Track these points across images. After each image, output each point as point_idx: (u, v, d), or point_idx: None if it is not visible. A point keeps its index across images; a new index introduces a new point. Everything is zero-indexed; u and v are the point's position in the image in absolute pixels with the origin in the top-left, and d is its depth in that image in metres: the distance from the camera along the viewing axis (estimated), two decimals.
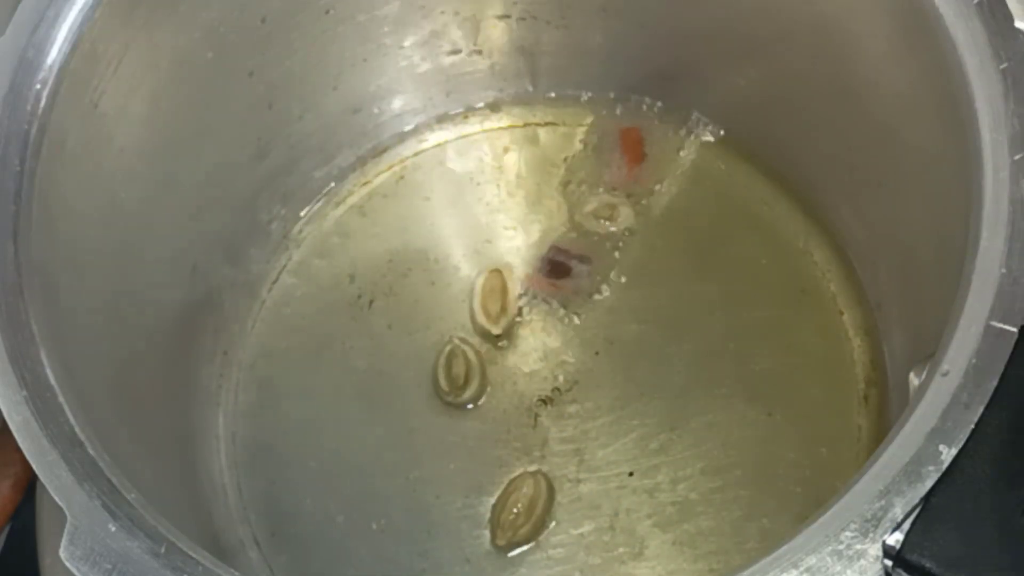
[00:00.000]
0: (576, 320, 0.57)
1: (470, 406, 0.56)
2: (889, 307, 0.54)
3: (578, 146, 0.61)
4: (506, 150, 0.62)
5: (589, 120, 0.62)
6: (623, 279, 0.58)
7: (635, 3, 0.58)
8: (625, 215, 0.59)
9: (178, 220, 0.54)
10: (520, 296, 0.58)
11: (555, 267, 0.58)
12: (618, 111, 0.61)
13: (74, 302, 0.45)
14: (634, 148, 0.61)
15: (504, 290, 0.58)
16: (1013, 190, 0.39)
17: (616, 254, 0.58)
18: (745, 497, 0.53)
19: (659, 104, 0.61)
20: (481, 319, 0.57)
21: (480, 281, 0.58)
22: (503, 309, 0.57)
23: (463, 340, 0.57)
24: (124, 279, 0.50)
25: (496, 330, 0.57)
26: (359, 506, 0.54)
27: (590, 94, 0.62)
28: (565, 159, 0.61)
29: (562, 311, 0.57)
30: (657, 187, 0.59)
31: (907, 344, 0.52)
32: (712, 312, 0.57)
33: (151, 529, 0.37)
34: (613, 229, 0.59)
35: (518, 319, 0.57)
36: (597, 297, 0.58)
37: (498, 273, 0.58)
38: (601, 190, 0.60)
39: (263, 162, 0.58)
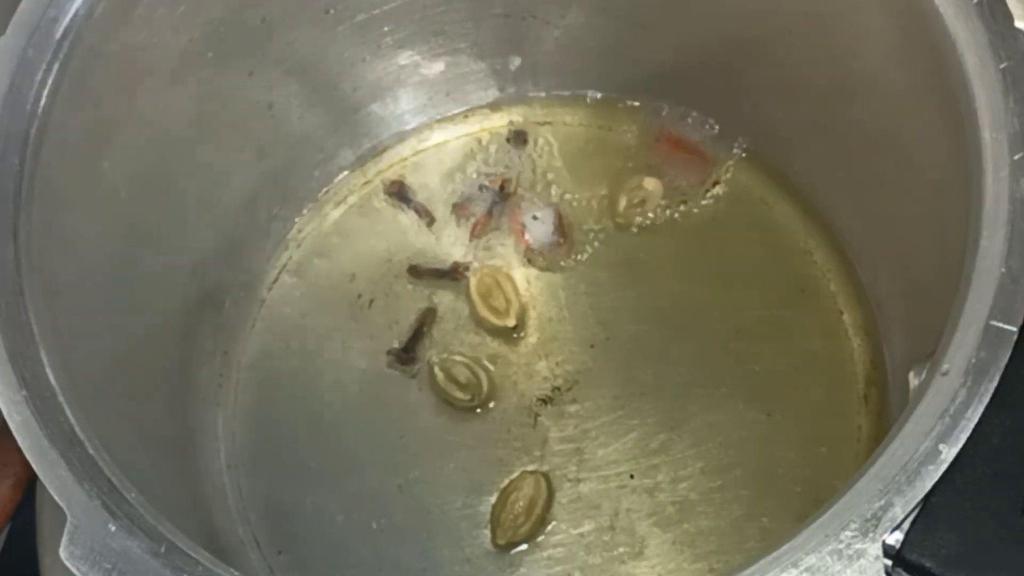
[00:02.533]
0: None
1: (479, 410, 0.56)
2: (889, 307, 0.54)
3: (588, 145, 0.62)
4: (505, 150, 0.62)
5: (589, 120, 0.62)
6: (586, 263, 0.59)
7: (635, 3, 0.58)
8: (654, 192, 0.59)
9: (178, 220, 0.54)
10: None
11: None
12: (618, 111, 0.62)
13: (74, 302, 0.45)
14: (679, 146, 0.61)
15: (500, 285, 0.58)
16: (1013, 190, 0.39)
17: (591, 247, 0.59)
18: (745, 497, 0.53)
19: (659, 104, 0.61)
20: (492, 319, 0.57)
21: (473, 286, 0.58)
22: (508, 302, 0.57)
23: (462, 355, 0.57)
24: (124, 279, 0.50)
25: (511, 322, 0.57)
26: (359, 506, 0.54)
27: (591, 94, 0.62)
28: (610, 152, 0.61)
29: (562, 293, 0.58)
30: (716, 188, 0.60)
31: (907, 344, 0.52)
32: (712, 312, 0.57)
33: (151, 529, 0.37)
34: (642, 219, 0.59)
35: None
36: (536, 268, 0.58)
37: (490, 272, 0.58)
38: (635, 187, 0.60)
39: (263, 162, 0.58)
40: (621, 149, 0.61)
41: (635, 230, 0.59)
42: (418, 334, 0.57)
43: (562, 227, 0.59)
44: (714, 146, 0.60)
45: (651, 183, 0.59)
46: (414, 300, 0.59)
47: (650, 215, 0.59)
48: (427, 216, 0.60)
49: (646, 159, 0.60)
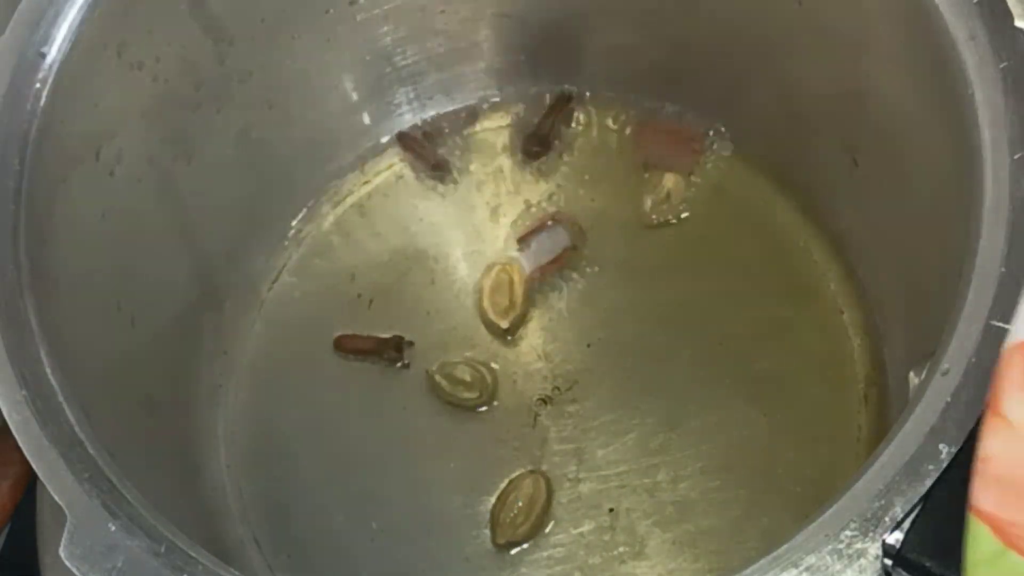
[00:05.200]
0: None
1: (480, 410, 0.56)
2: (889, 307, 0.54)
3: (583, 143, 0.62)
4: (505, 149, 0.62)
5: (589, 119, 0.62)
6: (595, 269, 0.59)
7: (635, 3, 0.58)
8: (676, 188, 0.59)
9: (178, 220, 0.54)
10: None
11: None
12: (618, 110, 0.62)
13: (74, 302, 0.45)
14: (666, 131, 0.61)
15: (512, 285, 0.58)
16: (1013, 189, 0.39)
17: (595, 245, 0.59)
18: (745, 497, 0.53)
19: (658, 103, 0.61)
20: (490, 313, 0.57)
21: (490, 276, 0.58)
22: (511, 304, 0.57)
23: (468, 359, 0.57)
24: (124, 279, 0.50)
25: (504, 323, 0.57)
26: (359, 506, 0.54)
27: (590, 93, 0.62)
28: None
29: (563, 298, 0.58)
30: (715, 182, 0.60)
31: (907, 344, 0.52)
32: (712, 312, 0.57)
33: (151, 528, 0.37)
34: (671, 218, 0.59)
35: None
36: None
37: (507, 268, 0.58)
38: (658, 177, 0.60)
39: (263, 162, 0.58)
40: (622, 147, 0.61)
41: (672, 220, 0.59)
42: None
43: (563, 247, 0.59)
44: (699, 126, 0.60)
45: (671, 179, 0.59)
46: (414, 300, 0.59)
47: (676, 210, 0.59)
48: (440, 169, 0.60)
49: (644, 152, 0.60)
